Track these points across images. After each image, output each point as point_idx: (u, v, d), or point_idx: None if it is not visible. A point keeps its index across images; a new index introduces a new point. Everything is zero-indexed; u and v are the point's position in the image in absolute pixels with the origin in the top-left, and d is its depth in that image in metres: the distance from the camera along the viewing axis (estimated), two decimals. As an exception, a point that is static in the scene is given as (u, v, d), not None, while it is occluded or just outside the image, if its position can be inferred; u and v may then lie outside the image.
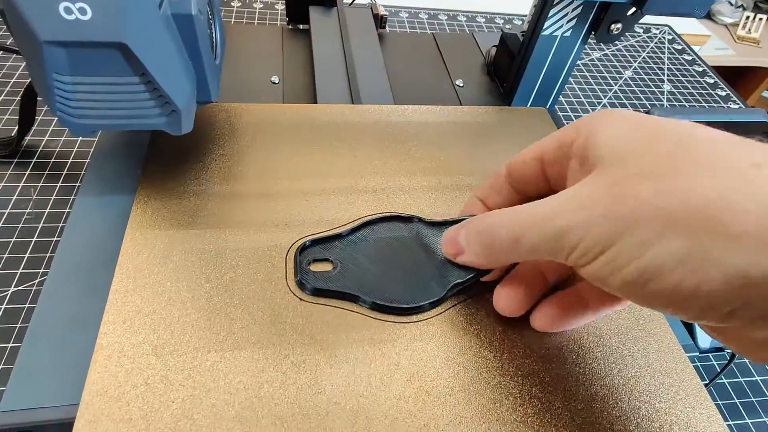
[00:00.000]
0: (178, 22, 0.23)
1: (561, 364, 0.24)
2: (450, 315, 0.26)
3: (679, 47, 0.72)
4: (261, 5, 0.66)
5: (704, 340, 0.30)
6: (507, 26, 0.70)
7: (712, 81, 0.66)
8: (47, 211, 0.38)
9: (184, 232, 0.27)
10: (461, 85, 0.44)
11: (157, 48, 0.22)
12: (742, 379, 0.37)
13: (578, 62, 0.63)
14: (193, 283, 0.25)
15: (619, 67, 0.66)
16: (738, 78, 1.35)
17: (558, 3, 0.35)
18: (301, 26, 0.50)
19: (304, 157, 0.32)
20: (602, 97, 0.60)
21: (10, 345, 0.31)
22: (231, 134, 0.33)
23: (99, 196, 0.30)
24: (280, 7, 0.66)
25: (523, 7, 0.73)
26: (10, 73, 0.48)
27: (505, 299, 0.25)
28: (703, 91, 0.64)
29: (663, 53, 0.70)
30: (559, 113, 0.56)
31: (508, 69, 0.42)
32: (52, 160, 0.41)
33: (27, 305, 0.33)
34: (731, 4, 1.28)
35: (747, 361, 0.38)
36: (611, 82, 0.63)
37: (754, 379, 0.37)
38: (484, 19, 0.70)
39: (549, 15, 0.36)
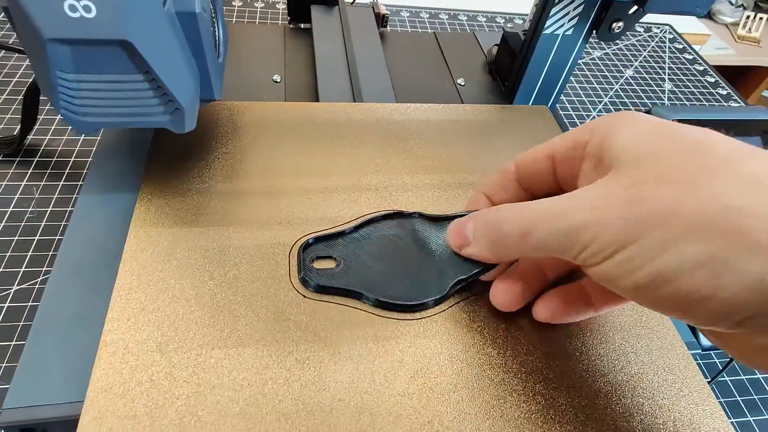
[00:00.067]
0: (181, 19, 0.23)
1: (564, 360, 0.24)
2: (453, 312, 0.26)
3: (680, 46, 0.72)
4: (262, 4, 0.66)
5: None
6: (508, 25, 0.70)
7: (713, 80, 0.66)
8: (49, 209, 0.38)
9: (188, 229, 0.27)
10: (463, 83, 0.45)
11: (161, 46, 0.22)
12: (743, 377, 0.37)
13: (579, 61, 0.63)
14: (197, 281, 0.25)
15: (620, 66, 0.66)
16: (738, 77, 1.35)
17: (560, 1, 0.35)
18: (302, 25, 0.50)
19: (306, 155, 0.32)
20: (603, 96, 0.60)
21: (13, 343, 0.31)
22: (234, 132, 0.33)
23: (102, 194, 0.30)
24: (281, 6, 0.66)
25: (524, 7, 0.73)
26: (12, 72, 0.48)
27: (503, 294, 0.25)
28: (704, 90, 0.64)
29: (664, 52, 0.70)
30: (561, 112, 0.56)
31: (510, 68, 0.42)
32: (55, 159, 0.41)
33: (30, 303, 0.33)
34: (732, 4, 1.28)
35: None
36: (612, 81, 0.63)
37: (755, 376, 0.37)
38: (485, 18, 0.70)
39: (550, 14, 0.36)
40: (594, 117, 0.57)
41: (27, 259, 0.35)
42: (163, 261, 0.25)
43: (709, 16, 1.28)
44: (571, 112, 0.57)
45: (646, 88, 0.63)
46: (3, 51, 0.50)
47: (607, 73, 0.64)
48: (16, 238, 0.36)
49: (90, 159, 0.42)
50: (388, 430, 0.21)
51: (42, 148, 0.42)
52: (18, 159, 0.41)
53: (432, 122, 0.37)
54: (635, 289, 0.18)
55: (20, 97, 0.44)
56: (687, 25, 0.89)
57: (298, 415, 0.21)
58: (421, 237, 0.27)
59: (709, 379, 0.34)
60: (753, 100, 1.39)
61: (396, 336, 0.24)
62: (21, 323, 0.32)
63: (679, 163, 0.17)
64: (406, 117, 0.37)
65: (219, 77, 0.28)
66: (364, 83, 0.41)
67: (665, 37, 0.73)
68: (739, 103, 0.63)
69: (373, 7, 0.50)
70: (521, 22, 0.71)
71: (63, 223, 0.37)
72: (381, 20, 0.50)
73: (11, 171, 0.40)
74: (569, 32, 0.38)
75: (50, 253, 0.35)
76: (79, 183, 0.40)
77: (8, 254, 0.35)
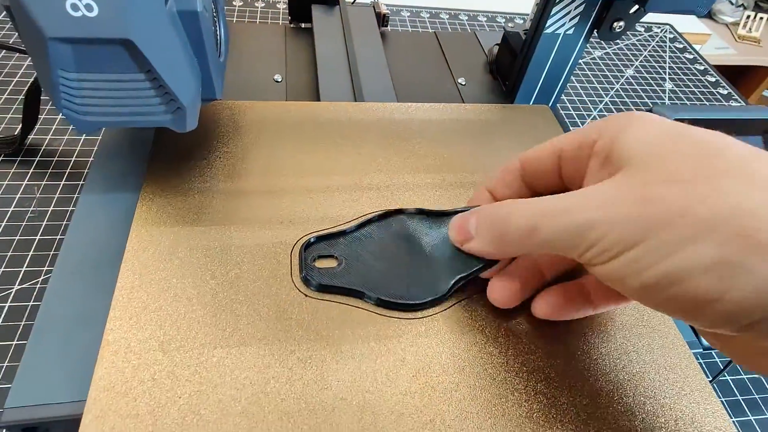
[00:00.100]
0: (183, 18, 0.23)
1: (566, 359, 0.24)
2: (455, 311, 0.26)
3: (681, 46, 0.72)
4: (263, 4, 0.66)
5: (708, 336, 0.30)
6: (509, 25, 0.70)
7: (713, 79, 0.66)
8: (50, 209, 0.38)
9: (190, 228, 0.27)
10: (464, 83, 0.45)
11: (162, 45, 0.22)
12: (744, 376, 0.37)
13: (580, 61, 0.63)
14: (199, 280, 0.25)
15: (620, 65, 0.66)
16: (739, 77, 1.35)
17: (560, 1, 0.35)
18: (303, 25, 0.50)
19: (308, 155, 0.32)
20: (604, 96, 0.60)
21: (14, 342, 0.31)
22: (235, 132, 0.33)
23: (103, 193, 0.30)
24: (281, 6, 0.66)
25: (524, 6, 0.73)
26: (13, 72, 0.48)
27: (500, 290, 0.25)
28: (704, 90, 0.64)
29: (664, 52, 0.70)
30: (562, 111, 0.56)
31: (511, 67, 0.42)
32: (56, 158, 0.41)
33: (31, 303, 0.33)
34: (732, 4, 1.28)
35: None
36: (613, 80, 0.63)
37: (756, 376, 0.37)
38: (485, 18, 0.70)
39: (551, 13, 0.36)
40: (595, 117, 0.57)
41: (28, 258, 0.35)
42: (164, 260, 0.25)
43: (710, 15, 1.28)
44: (572, 112, 0.57)
45: (647, 87, 0.63)
46: (4, 51, 0.50)
47: (607, 73, 0.64)
48: (18, 237, 0.36)
49: (91, 158, 0.42)
50: (390, 429, 0.21)
51: (43, 147, 0.42)
52: (19, 159, 0.41)
53: (433, 121, 0.37)
54: (642, 289, 0.18)
55: (21, 96, 0.44)
56: (687, 24, 0.89)
57: (300, 414, 0.21)
58: (422, 234, 0.27)
59: (710, 379, 0.34)
60: (753, 100, 1.39)
61: (398, 335, 0.24)
62: (22, 323, 0.32)
63: (690, 165, 0.17)
64: (408, 116, 0.37)
65: (220, 76, 0.28)
66: (365, 83, 0.41)
67: (666, 36, 0.73)
68: (739, 102, 0.63)
69: (373, 7, 0.50)
70: (522, 21, 0.71)
71: (64, 222, 0.37)
72: (382, 20, 0.50)
73: (12, 171, 0.40)
74: (570, 32, 0.38)
75: (51, 252, 0.35)
76: (81, 182, 0.40)
77: (9, 254, 0.35)
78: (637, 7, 0.35)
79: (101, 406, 0.20)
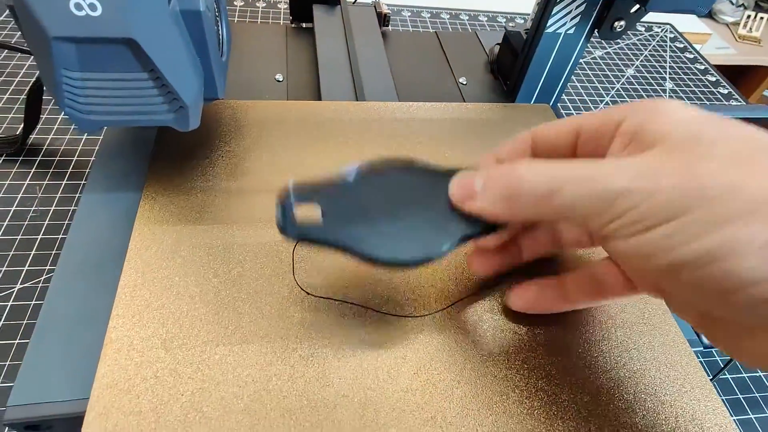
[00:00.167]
0: (186, 18, 0.23)
1: (567, 357, 0.25)
2: (456, 309, 0.26)
3: (681, 45, 0.72)
4: (264, 4, 0.66)
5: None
6: (510, 24, 0.70)
7: (714, 79, 0.66)
8: (52, 208, 0.38)
9: (192, 227, 0.27)
10: (464, 82, 0.45)
11: (165, 44, 0.23)
12: (745, 375, 0.37)
13: (581, 60, 0.64)
14: (201, 278, 0.25)
15: (621, 65, 0.66)
16: (739, 77, 1.35)
17: (561, 0, 0.35)
18: (304, 25, 0.50)
19: (309, 154, 0.32)
20: (605, 95, 0.60)
21: (17, 341, 0.31)
22: (237, 131, 0.33)
23: (105, 193, 0.30)
24: (282, 6, 0.66)
25: (525, 6, 0.73)
26: (14, 71, 0.49)
27: (478, 260, 0.26)
28: (705, 89, 0.64)
29: (665, 51, 0.70)
30: (562, 111, 0.56)
31: (512, 67, 0.42)
32: (57, 158, 0.41)
33: (33, 302, 0.33)
34: (732, 3, 1.28)
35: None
36: (613, 80, 0.63)
37: (757, 374, 0.37)
38: (486, 18, 0.70)
39: (552, 12, 0.36)
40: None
41: (30, 258, 0.35)
42: (167, 258, 0.26)
43: (710, 15, 1.28)
44: (573, 111, 0.57)
45: (647, 87, 0.63)
46: (6, 51, 0.50)
47: (608, 72, 0.64)
48: (20, 237, 0.36)
49: (93, 158, 0.42)
50: (391, 426, 0.21)
51: (45, 147, 0.42)
52: (21, 158, 0.41)
53: (434, 121, 0.37)
54: (670, 267, 0.17)
55: (23, 96, 0.45)
56: (688, 24, 0.89)
57: (302, 411, 0.21)
58: (419, 189, 0.24)
59: (711, 377, 0.34)
60: (754, 100, 1.39)
61: (399, 332, 0.24)
62: (24, 322, 0.32)
63: (739, 147, 0.17)
64: (409, 116, 0.37)
65: (222, 75, 0.28)
66: (366, 82, 0.41)
67: (666, 36, 0.73)
68: (740, 102, 0.63)
69: (375, 7, 0.51)
70: (523, 21, 0.71)
71: (66, 222, 0.37)
72: (383, 19, 0.50)
73: (14, 170, 0.40)
74: (571, 31, 0.38)
75: (53, 252, 0.35)
76: (82, 182, 0.40)
77: (11, 253, 0.35)
78: (637, 6, 0.35)
79: (104, 404, 0.20)
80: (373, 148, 0.34)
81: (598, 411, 0.23)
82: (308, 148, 0.33)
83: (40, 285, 0.34)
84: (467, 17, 0.70)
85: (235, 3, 0.65)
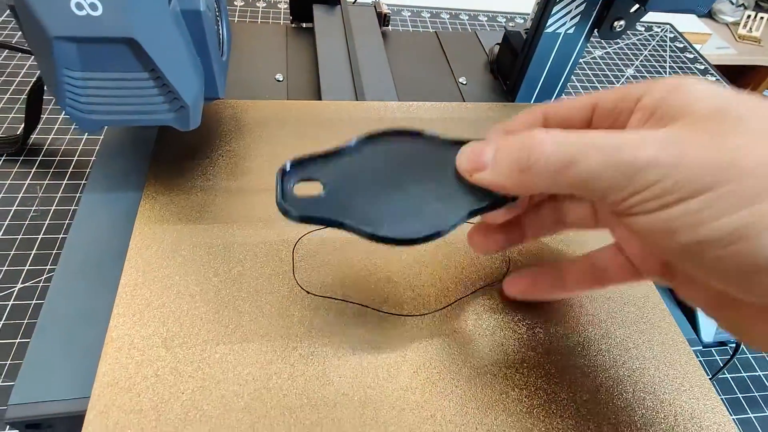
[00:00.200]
0: (186, 18, 0.23)
1: (566, 356, 0.25)
2: (456, 308, 0.26)
3: (681, 45, 0.72)
4: (264, 4, 0.66)
5: (708, 334, 0.30)
6: (510, 24, 0.70)
7: (713, 79, 0.66)
8: (53, 208, 0.38)
9: (192, 226, 0.27)
10: (464, 82, 0.45)
11: (166, 44, 0.23)
12: (744, 374, 0.37)
13: (580, 60, 0.64)
14: (202, 277, 0.25)
15: (620, 65, 0.66)
16: (739, 77, 1.35)
17: (561, 0, 0.35)
18: (304, 24, 0.50)
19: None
20: (604, 95, 0.60)
21: (18, 341, 0.31)
22: (237, 130, 0.33)
23: (105, 192, 0.30)
24: (282, 6, 0.66)
25: (525, 6, 0.73)
26: (15, 71, 0.49)
27: (479, 236, 0.25)
28: (704, 89, 0.64)
29: (665, 51, 0.70)
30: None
31: (512, 66, 0.42)
32: (58, 157, 0.42)
33: (34, 301, 0.33)
34: (732, 3, 1.28)
35: (750, 355, 0.38)
36: (613, 79, 0.63)
37: (756, 373, 0.37)
38: (486, 18, 0.70)
39: (552, 12, 0.36)
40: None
41: (31, 257, 0.35)
42: (168, 258, 0.26)
43: (710, 15, 1.28)
44: (572, 111, 0.57)
45: (647, 87, 0.63)
46: (6, 51, 0.50)
47: (608, 72, 0.64)
48: (20, 236, 0.36)
49: (93, 157, 0.42)
50: (391, 424, 0.21)
51: (45, 147, 0.42)
52: (22, 158, 0.41)
53: (434, 120, 0.37)
54: (696, 244, 0.16)
55: (24, 96, 0.45)
56: (688, 24, 0.89)
57: (302, 410, 0.21)
58: (424, 161, 0.23)
59: (710, 376, 0.34)
60: (754, 100, 1.39)
61: (399, 331, 0.24)
62: (25, 321, 0.32)
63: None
64: (409, 115, 0.37)
65: (223, 75, 0.28)
66: (366, 82, 0.41)
67: (666, 36, 0.73)
68: (739, 101, 0.63)
69: (375, 7, 0.51)
70: (523, 21, 0.71)
71: (67, 221, 0.37)
72: (383, 19, 0.50)
73: (15, 170, 0.40)
74: (571, 31, 0.38)
75: (54, 251, 0.35)
76: (83, 182, 0.40)
77: (12, 252, 0.35)
78: (637, 6, 0.35)
79: (105, 402, 0.21)
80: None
81: (597, 410, 0.23)
82: (308, 147, 0.33)
83: (41, 284, 0.34)
84: (467, 17, 0.70)
85: (235, 3, 0.65)
